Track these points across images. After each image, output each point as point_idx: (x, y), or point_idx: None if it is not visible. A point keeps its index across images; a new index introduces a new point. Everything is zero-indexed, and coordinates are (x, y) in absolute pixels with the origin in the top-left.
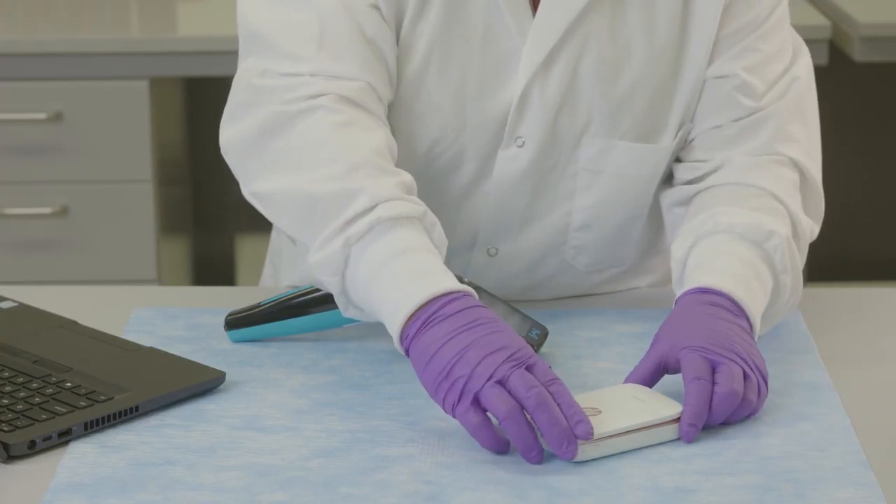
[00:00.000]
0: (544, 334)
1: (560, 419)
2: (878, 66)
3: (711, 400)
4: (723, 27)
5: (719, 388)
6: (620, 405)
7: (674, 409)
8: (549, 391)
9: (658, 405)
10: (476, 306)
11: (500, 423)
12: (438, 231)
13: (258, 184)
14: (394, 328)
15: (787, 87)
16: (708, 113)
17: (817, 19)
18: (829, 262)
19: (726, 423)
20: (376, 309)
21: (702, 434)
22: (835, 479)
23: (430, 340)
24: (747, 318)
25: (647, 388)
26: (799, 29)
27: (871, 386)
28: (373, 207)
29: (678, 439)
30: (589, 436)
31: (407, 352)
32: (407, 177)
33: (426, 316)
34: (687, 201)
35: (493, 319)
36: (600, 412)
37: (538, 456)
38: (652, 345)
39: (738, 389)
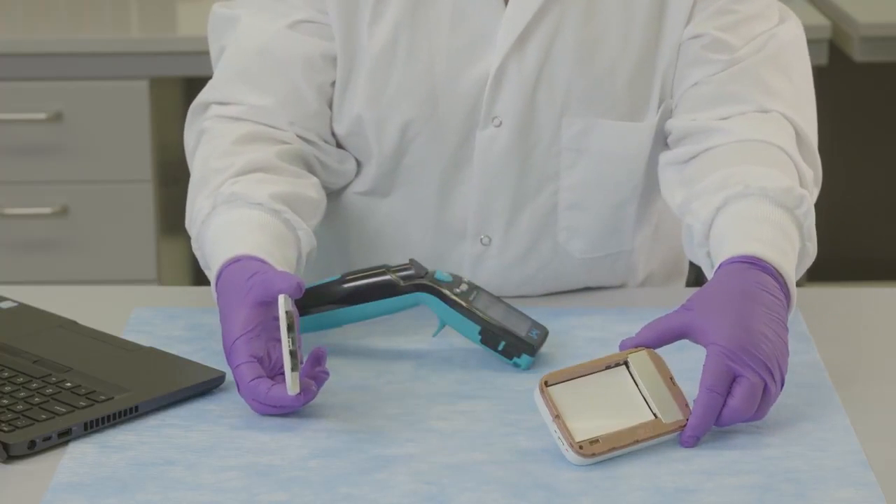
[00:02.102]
0: (544, 334)
1: (275, 411)
2: (878, 66)
3: (722, 410)
4: None
5: (733, 401)
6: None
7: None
8: (250, 399)
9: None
10: (220, 294)
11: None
12: (242, 184)
13: None
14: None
15: (763, 43)
16: (685, 73)
17: (817, 19)
18: (829, 262)
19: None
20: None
21: None
22: (835, 479)
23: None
24: (788, 295)
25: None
26: None
27: (871, 386)
28: (199, 225)
29: (677, 441)
30: (296, 405)
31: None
32: (241, 160)
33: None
34: (681, 161)
35: (223, 308)
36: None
37: (280, 409)
38: (685, 308)
39: (751, 409)
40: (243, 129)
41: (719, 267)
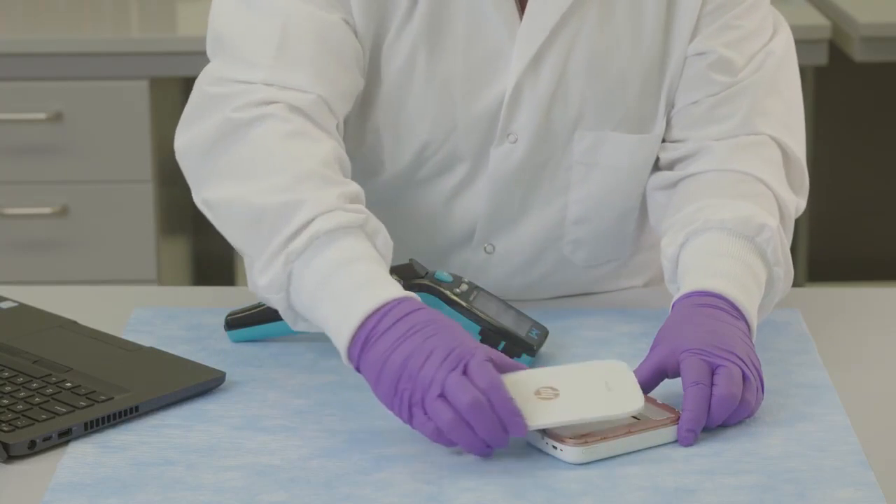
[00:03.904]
0: (544, 334)
1: (491, 423)
2: (878, 66)
3: (710, 403)
4: (704, 5)
5: (718, 389)
6: (582, 391)
7: (635, 403)
8: (483, 391)
9: (622, 398)
10: (412, 312)
11: (446, 433)
12: (383, 236)
13: (208, 191)
14: (340, 349)
15: (762, 62)
16: (686, 89)
17: (817, 19)
18: (829, 262)
19: (725, 425)
20: (322, 326)
21: (701, 434)
22: (835, 479)
23: (374, 359)
24: (745, 321)
25: (626, 371)
26: (799, 29)
27: (871, 386)
28: (311, 221)
29: (676, 441)
30: (522, 433)
31: (357, 369)
32: (353, 186)
33: (365, 334)
34: (669, 186)
35: (428, 322)
36: (558, 395)
37: (489, 453)
38: (651, 349)
39: (737, 392)
40: (328, 145)
41: (673, 305)
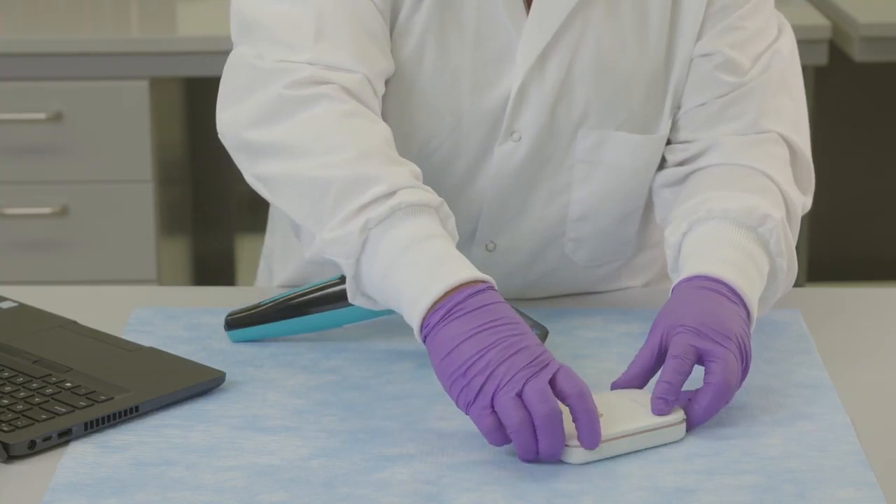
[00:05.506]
0: (544, 334)
1: (556, 438)
2: (878, 66)
3: (703, 390)
4: (709, 5)
5: (714, 377)
6: (621, 409)
7: (674, 413)
8: (568, 402)
9: None
10: (499, 302)
11: (508, 432)
12: (452, 223)
13: (262, 167)
14: (414, 317)
15: (769, 62)
16: (693, 91)
17: (817, 19)
18: (829, 262)
19: (719, 421)
20: (393, 296)
21: (702, 434)
22: (835, 479)
23: (452, 334)
24: (745, 305)
25: (647, 392)
26: (799, 29)
27: (871, 386)
28: (393, 193)
29: (678, 441)
30: (595, 444)
31: (424, 339)
32: (416, 167)
33: (450, 306)
34: (677, 182)
35: (516, 320)
36: (602, 415)
37: (532, 460)
38: (651, 330)
39: (733, 381)
40: (382, 125)
41: (673, 289)
